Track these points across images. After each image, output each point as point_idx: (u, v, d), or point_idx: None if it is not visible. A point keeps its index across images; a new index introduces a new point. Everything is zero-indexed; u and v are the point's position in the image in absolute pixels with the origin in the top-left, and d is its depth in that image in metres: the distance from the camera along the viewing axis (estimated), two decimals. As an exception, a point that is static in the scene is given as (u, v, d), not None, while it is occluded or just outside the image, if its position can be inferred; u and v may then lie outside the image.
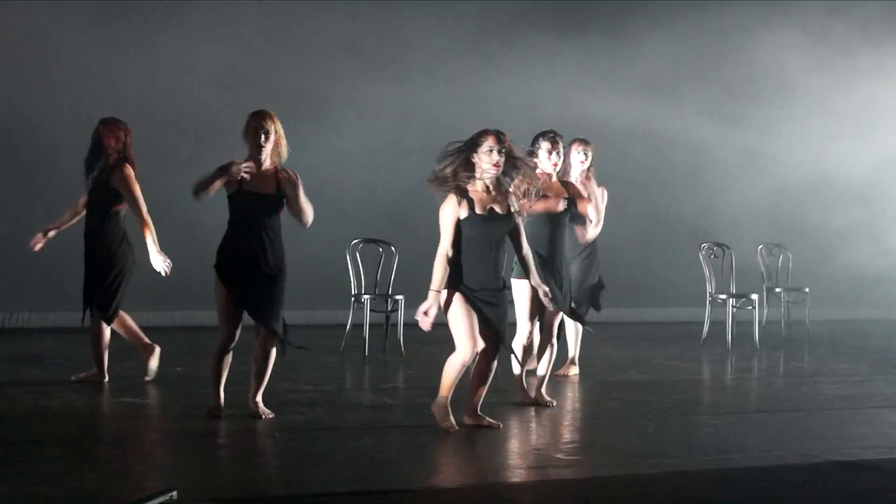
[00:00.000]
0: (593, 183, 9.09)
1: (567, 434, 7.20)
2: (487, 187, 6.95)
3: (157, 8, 12.54)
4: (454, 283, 6.88)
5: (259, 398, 7.26)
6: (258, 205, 7.13)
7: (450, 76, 13.55)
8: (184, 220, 11.93)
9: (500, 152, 6.91)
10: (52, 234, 8.50)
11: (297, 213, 7.21)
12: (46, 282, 11.89)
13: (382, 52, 13.64)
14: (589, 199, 8.48)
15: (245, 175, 7.04)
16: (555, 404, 7.98)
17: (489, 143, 6.91)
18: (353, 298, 10.74)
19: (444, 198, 6.95)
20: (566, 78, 13.63)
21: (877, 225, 15.90)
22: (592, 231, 9.04)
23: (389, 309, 10.79)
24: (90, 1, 12.27)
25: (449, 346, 6.95)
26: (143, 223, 8.25)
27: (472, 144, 6.93)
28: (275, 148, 7.21)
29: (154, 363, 8.53)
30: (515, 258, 8.08)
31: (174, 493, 5.01)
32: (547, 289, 7.28)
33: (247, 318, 7.19)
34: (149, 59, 12.35)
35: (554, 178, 8.12)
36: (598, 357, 10.76)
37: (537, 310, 7.94)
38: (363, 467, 5.94)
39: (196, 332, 11.55)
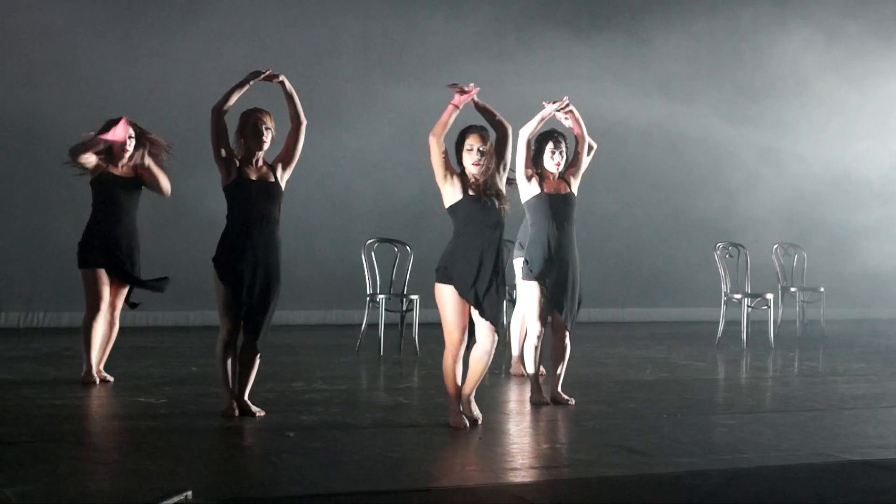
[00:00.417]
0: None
1: (582, 433, 7.19)
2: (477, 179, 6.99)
3: (173, 9, 12.57)
4: (447, 277, 6.89)
5: (247, 396, 7.25)
6: (261, 193, 7.11)
7: (465, 76, 13.46)
8: (198, 220, 11.97)
9: (479, 151, 6.94)
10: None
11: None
12: (61, 282, 11.91)
13: (398, 53, 13.65)
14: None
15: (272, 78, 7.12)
16: (573, 403, 7.98)
17: (469, 141, 6.95)
18: (368, 298, 10.75)
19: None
20: (582, 78, 13.61)
21: (893, 224, 15.86)
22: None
23: (404, 308, 10.79)
24: (107, 1, 12.31)
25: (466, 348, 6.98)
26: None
27: (459, 140, 6.99)
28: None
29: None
30: (523, 259, 8.08)
31: (189, 492, 5.01)
32: None
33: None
34: (165, 60, 12.38)
35: (552, 178, 8.06)
36: (614, 356, 10.75)
37: (547, 310, 7.94)
38: (378, 467, 5.94)
39: (210, 332, 11.54)
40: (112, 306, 8.43)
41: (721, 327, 12.16)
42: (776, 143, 15.41)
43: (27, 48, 12.02)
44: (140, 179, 8.36)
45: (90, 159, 8.24)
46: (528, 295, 7.98)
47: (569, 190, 8.05)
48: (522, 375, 9.25)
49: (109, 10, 12.32)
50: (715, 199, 15.27)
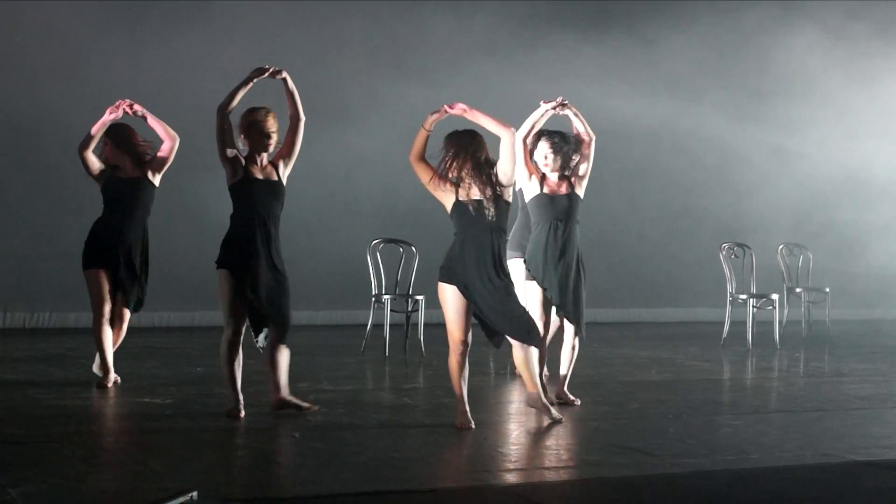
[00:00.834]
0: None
1: (587, 434, 7.19)
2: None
3: (178, 8, 12.58)
4: (448, 276, 6.89)
5: (287, 393, 7.29)
6: (267, 192, 7.12)
7: (471, 76, 13.54)
8: (203, 220, 11.97)
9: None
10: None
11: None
12: (67, 282, 11.92)
13: (403, 52, 13.66)
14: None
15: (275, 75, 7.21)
16: (578, 403, 7.98)
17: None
18: (373, 298, 10.75)
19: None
20: (587, 78, 13.61)
21: (900, 224, 15.86)
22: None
23: (410, 309, 10.80)
24: (113, 2, 12.32)
25: (471, 348, 6.98)
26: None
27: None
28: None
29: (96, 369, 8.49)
30: (526, 257, 8.07)
31: (194, 493, 5.02)
32: None
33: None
34: (170, 60, 12.39)
35: (552, 178, 8.04)
36: (619, 357, 10.75)
37: (550, 309, 7.95)
38: (383, 467, 5.94)
39: (216, 333, 11.55)
40: (119, 307, 8.43)
41: (726, 328, 12.15)
42: (784, 143, 15.40)
43: (32, 49, 12.03)
44: (149, 180, 8.34)
45: (93, 161, 8.22)
46: (530, 295, 7.97)
47: (570, 191, 8.02)
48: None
49: (114, 10, 12.33)
50: (722, 199, 15.27)
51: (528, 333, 7.02)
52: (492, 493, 5.56)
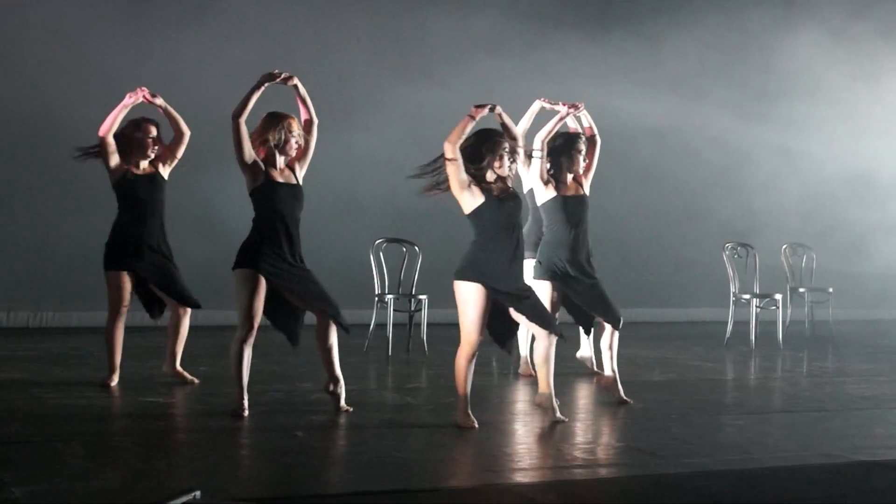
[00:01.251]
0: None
1: (590, 434, 7.19)
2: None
3: (183, 7, 12.58)
4: (473, 275, 6.89)
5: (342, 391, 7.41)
6: (288, 195, 7.15)
7: (474, 75, 13.55)
8: (208, 220, 12.00)
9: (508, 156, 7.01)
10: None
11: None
12: (71, 282, 11.95)
13: (407, 52, 13.65)
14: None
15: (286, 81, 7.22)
16: (631, 402, 8.04)
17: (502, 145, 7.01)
18: (376, 298, 10.75)
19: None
20: (590, 77, 13.60)
21: (903, 224, 15.85)
22: None
23: (413, 309, 10.80)
24: (117, 0, 12.33)
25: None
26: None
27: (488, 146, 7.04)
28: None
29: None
30: (540, 257, 8.10)
31: (197, 492, 5.02)
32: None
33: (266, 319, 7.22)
34: (174, 58, 12.39)
35: (566, 179, 8.14)
36: (622, 357, 10.71)
37: (557, 309, 7.98)
38: (386, 467, 5.95)
39: (219, 332, 11.58)
40: (172, 307, 8.45)
41: (730, 328, 12.15)
42: (789, 143, 15.38)
43: (37, 47, 12.03)
44: (161, 175, 8.34)
45: (113, 149, 8.19)
46: (538, 295, 7.99)
47: (583, 192, 8.15)
48: (531, 376, 9.25)
49: (119, 8, 12.33)
50: (727, 199, 15.26)
51: (552, 323, 7.08)
52: (495, 493, 5.56)
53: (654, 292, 14.88)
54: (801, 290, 13.45)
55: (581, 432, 7.17)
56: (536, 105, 8.79)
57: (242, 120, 7.09)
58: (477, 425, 6.96)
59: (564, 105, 8.29)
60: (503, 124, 7.12)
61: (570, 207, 8.04)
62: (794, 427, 7.41)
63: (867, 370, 10.36)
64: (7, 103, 11.79)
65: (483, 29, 13.86)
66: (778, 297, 12.11)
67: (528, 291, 7.05)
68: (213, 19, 12.63)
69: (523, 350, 9.50)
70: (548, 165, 8.13)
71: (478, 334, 6.91)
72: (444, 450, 6.55)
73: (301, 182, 7.31)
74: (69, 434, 6.59)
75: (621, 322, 8.16)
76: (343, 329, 7.29)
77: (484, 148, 6.93)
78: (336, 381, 7.38)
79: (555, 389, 7.29)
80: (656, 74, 14.63)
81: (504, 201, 6.94)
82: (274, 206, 7.14)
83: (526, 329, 9.13)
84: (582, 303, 8.09)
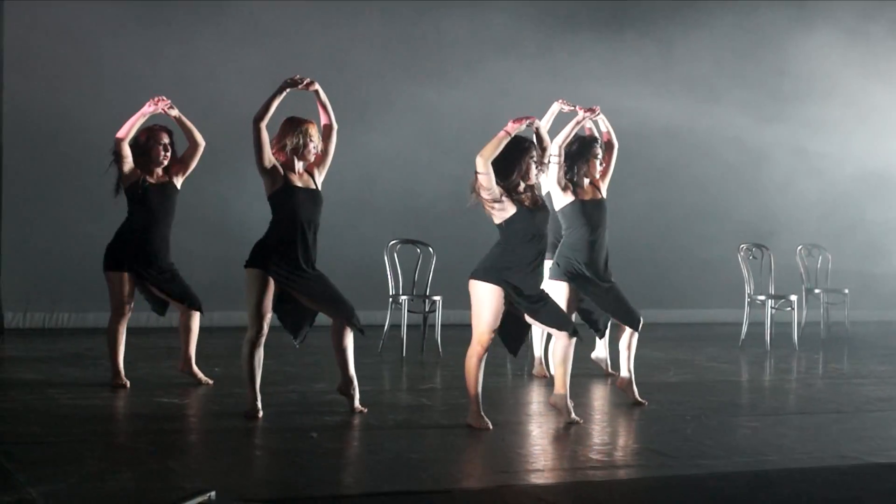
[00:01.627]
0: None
1: (605, 435, 7.18)
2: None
3: (196, 9, 12.60)
4: (494, 277, 6.88)
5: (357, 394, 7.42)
6: (307, 199, 7.16)
7: (487, 76, 13.55)
8: (221, 221, 12.02)
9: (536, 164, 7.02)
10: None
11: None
12: (86, 283, 11.96)
13: (419, 53, 13.66)
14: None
15: (307, 86, 7.19)
16: (646, 403, 8.03)
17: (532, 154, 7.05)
18: (390, 299, 10.76)
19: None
20: (603, 78, 13.60)
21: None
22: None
23: (427, 310, 10.80)
24: (131, 3, 12.35)
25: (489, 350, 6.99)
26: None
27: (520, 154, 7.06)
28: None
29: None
30: (558, 259, 8.10)
31: (212, 493, 5.03)
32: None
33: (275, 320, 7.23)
34: (187, 60, 12.41)
35: (584, 183, 8.17)
36: (637, 358, 10.70)
37: (573, 310, 7.99)
38: (400, 468, 5.95)
39: (234, 333, 11.58)
40: (177, 306, 8.48)
41: (744, 329, 12.13)
42: (805, 143, 15.33)
43: (50, 50, 12.06)
44: (173, 184, 8.37)
45: (128, 156, 8.22)
46: (555, 295, 8.00)
47: (601, 196, 8.18)
48: (544, 377, 9.24)
49: (132, 11, 12.36)
50: (743, 200, 15.22)
51: (570, 324, 7.11)
52: (509, 494, 5.56)
53: (669, 293, 14.85)
54: (817, 290, 13.41)
55: (596, 434, 7.16)
56: (555, 106, 8.81)
57: (263, 125, 7.09)
58: (491, 426, 6.95)
59: (581, 109, 8.30)
60: (538, 136, 7.12)
61: (589, 212, 8.07)
62: (810, 429, 7.39)
63: (883, 371, 10.33)
64: (23, 106, 11.82)
65: (497, 30, 13.86)
66: (793, 298, 12.08)
67: (545, 296, 7.05)
68: (226, 22, 12.65)
69: (537, 351, 9.50)
70: (565, 169, 8.13)
71: (490, 335, 6.92)
72: (459, 451, 6.55)
73: (320, 187, 7.30)
74: (84, 434, 6.61)
75: (641, 324, 8.15)
76: (358, 331, 7.29)
77: (513, 159, 6.93)
78: (350, 382, 7.39)
79: (569, 390, 7.28)
80: (670, 75, 14.61)
81: (535, 212, 6.95)
82: (293, 210, 7.14)
83: (540, 330, 9.16)
84: (600, 306, 8.09)
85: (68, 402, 7.66)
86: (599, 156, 8.24)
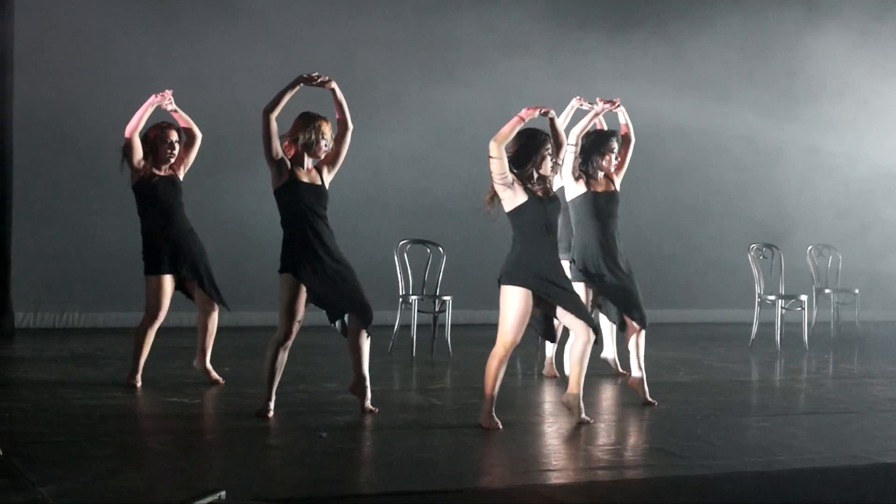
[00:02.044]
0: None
1: (615, 435, 7.18)
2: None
3: (207, 6, 12.62)
4: (519, 280, 6.89)
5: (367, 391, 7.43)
6: (311, 195, 7.16)
7: (497, 75, 13.55)
8: (232, 220, 12.03)
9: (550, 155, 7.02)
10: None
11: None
12: (97, 282, 12.00)
13: (430, 51, 13.66)
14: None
15: (324, 84, 7.21)
16: (655, 403, 8.03)
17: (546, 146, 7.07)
18: (400, 299, 10.76)
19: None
20: (613, 77, 13.59)
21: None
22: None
23: (437, 310, 10.80)
24: (142, 1, 12.37)
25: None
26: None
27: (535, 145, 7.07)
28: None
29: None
30: (574, 256, 8.10)
31: (223, 492, 5.04)
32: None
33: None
34: (199, 60, 12.42)
35: (598, 175, 8.19)
36: (646, 358, 10.69)
37: (592, 310, 8.01)
38: (410, 468, 5.95)
39: (244, 333, 11.61)
40: (201, 304, 8.52)
41: (755, 329, 12.11)
42: (817, 143, 15.30)
43: (62, 47, 12.08)
44: (178, 176, 8.40)
45: (138, 149, 8.24)
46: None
47: (614, 188, 8.19)
48: (555, 377, 9.24)
49: (144, 8, 12.38)
50: (754, 199, 15.20)
51: (592, 321, 7.14)
52: (520, 494, 5.56)
53: (679, 293, 14.83)
54: (827, 291, 13.39)
55: (606, 434, 7.16)
56: (573, 103, 8.78)
57: (273, 116, 7.09)
58: (501, 427, 6.95)
59: (601, 101, 8.30)
60: (553, 128, 7.14)
61: (601, 203, 8.09)
62: (820, 429, 7.38)
63: (894, 371, 10.31)
64: (34, 105, 11.84)
65: (507, 29, 13.86)
66: (803, 298, 12.06)
67: (571, 288, 7.08)
68: (237, 21, 12.67)
69: (548, 351, 9.49)
70: (580, 161, 8.15)
71: (514, 337, 6.92)
72: (469, 451, 6.55)
73: (326, 184, 7.30)
74: (95, 434, 6.63)
75: (646, 321, 8.15)
76: (366, 332, 7.31)
77: (529, 150, 6.96)
78: (363, 382, 7.39)
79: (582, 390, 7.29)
80: (680, 75, 14.59)
81: (545, 202, 6.97)
82: (296, 204, 7.14)
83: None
84: (612, 300, 8.10)
85: (79, 402, 7.67)
86: (615, 150, 8.26)
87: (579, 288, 7.98)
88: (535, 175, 7.00)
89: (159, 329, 8.39)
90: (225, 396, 8.07)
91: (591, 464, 6.26)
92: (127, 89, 11.88)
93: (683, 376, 9.77)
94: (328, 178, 7.33)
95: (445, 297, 10.69)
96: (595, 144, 8.20)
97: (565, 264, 8.21)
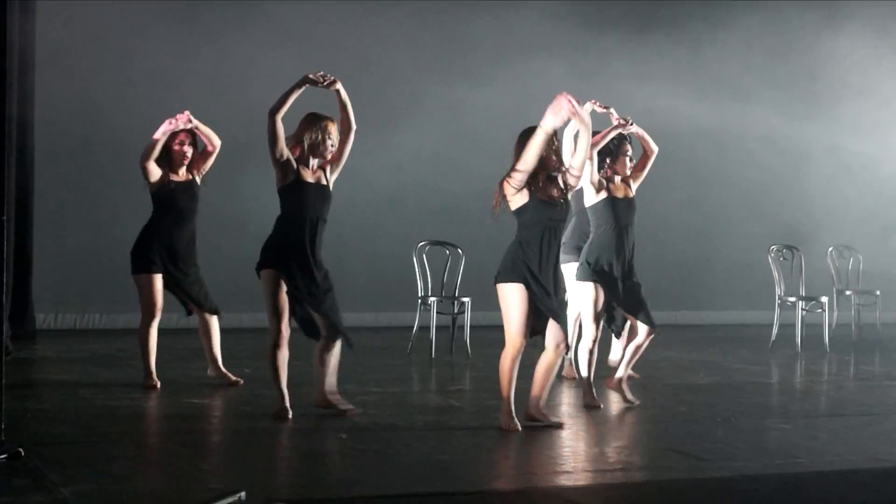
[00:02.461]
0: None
1: (634, 437, 7.16)
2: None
3: (227, 9, 12.65)
4: (515, 276, 6.89)
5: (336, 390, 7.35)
6: (316, 195, 7.17)
7: (515, 75, 13.53)
8: (250, 221, 12.03)
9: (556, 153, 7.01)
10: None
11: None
12: (118, 284, 12.01)
13: (447, 53, 13.66)
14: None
15: (329, 85, 7.18)
16: (637, 403, 7.98)
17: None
18: (419, 300, 10.77)
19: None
20: (632, 78, 13.56)
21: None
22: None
23: (456, 311, 10.80)
24: (162, 3, 12.41)
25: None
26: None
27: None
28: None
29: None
30: (589, 258, 8.08)
31: (242, 493, 5.05)
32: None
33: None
34: (219, 63, 12.46)
35: (616, 181, 8.18)
36: (666, 360, 10.70)
37: (603, 311, 7.97)
38: (429, 469, 5.95)
39: (263, 334, 11.61)
40: (196, 311, 8.55)
41: (775, 330, 12.07)
42: (841, 143, 15.23)
43: (85, 53, 12.11)
44: (196, 182, 8.44)
45: (154, 170, 8.30)
46: (584, 297, 7.99)
47: (632, 194, 8.17)
48: (574, 378, 9.22)
49: (164, 12, 12.42)
50: (777, 200, 15.15)
51: (567, 334, 7.09)
52: (538, 496, 5.55)
53: (699, 294, 14.80)
54: (848, 292, 13.34)
55: (624, 436, 7.15)
56: (588, 107, 8.65)
57: (279, 117, 7.10)
58: (520, 428, 6.95)
59: (615, 116, 8.24)
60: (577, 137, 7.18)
61: (620, 209, 8.06)
62: (841, 431, 7.35)
63: (915, 374, 10.28)
64: (55, 107, 11.88)
65: (525, 29, 13.85)
66: (824, 299, 12.01)
67: (560, 295, 7.05)
68: (256, 22, 12.69)
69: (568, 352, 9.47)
70: (596, 167, 8.14)
71: (522, 335, 6.91)
72: (488, 452, 6.55)
73: (330, 184, 7.31)
74: (116, 435, 6.64)
75: (655, 324, 8.11)
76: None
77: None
78: (330, 394, 7.33)
79: (595, 392, 7.26)
80: (700, 75, 14.55)
81: (548, 205, 6.94)
82: (301, 204, 7.16)
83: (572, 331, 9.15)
84: (621, 304, 8.05)
85: (100, 403, 7.69)
86: (629, 152, 8.23)
87: (588, 287, 7.96)
88: (542, 175, 6.98)
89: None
90: (244, 397, 8.09)
91: (611, 466, 6.25)
92: (148, 92, 11.95)
93: (703, 378, 9.75)
94: (332, 178, 7.33)
95: (464, 299, 10.69)
96: (609, 149, 8.17)
97: (572, 266, 8.22)
